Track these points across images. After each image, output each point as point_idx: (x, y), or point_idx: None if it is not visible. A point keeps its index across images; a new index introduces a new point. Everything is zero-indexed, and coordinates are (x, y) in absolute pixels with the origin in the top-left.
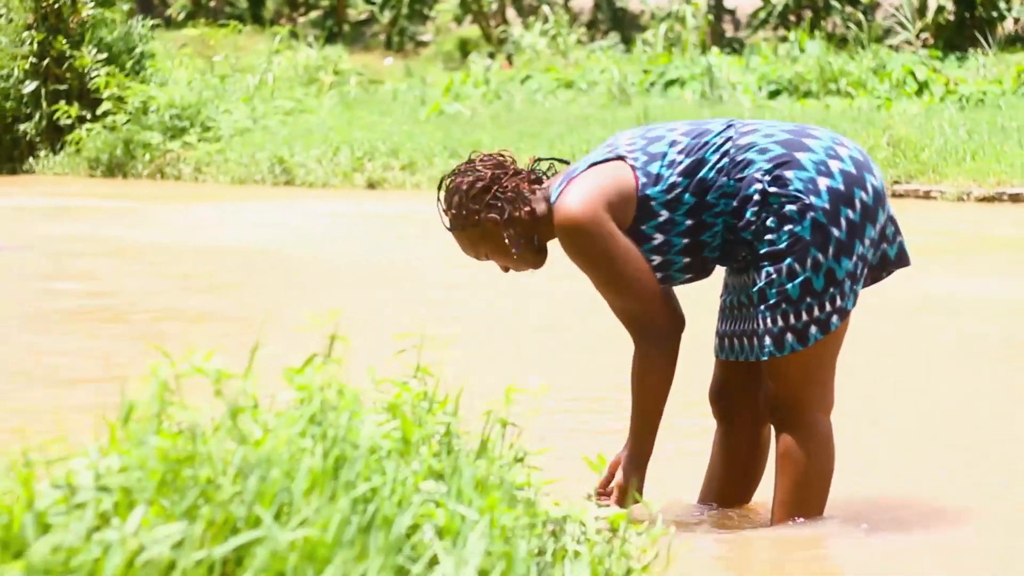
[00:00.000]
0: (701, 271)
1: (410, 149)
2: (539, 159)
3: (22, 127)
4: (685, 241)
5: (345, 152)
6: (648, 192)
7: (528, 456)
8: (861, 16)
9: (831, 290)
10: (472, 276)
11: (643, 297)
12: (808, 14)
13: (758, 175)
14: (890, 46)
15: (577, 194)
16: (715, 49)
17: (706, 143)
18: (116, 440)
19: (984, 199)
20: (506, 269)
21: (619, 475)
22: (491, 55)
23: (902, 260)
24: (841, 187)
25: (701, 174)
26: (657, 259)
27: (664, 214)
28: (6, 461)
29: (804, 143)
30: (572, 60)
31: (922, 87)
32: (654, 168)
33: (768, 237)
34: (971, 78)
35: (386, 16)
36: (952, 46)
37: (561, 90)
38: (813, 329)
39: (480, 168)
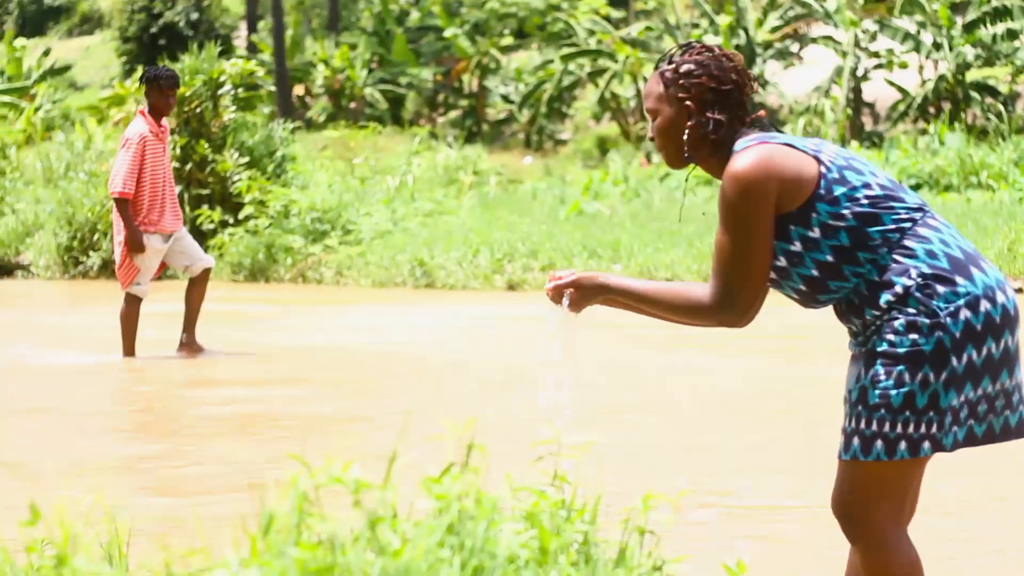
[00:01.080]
0: (808, 302)
1: (549, 250)
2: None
3: None
4: (815, 273)
5: (485, 254)
6: (818, 205)
7: (667, 564)
8: (1001, 107)
9: (931, 413)
10: (610, 379)
11: (746, 274)
12: (947, 106)
13: (913, 273)
14: None
15: (759, 157)
16: (854, 143)
17: (892, 207)
18: (256, 551)
19: None
20: (652, 139)
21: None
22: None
23: (1022, 430)
24: (978, 326)
25: (869, 229)
26: (782, 262)
27: (815, 233)
28: (148, 572)
29: (970, 270)
30: None
31: None
32: (837, 190)
33: (889, 337)
34: None
35: (525, 115)
36: None
37: (701, 187)
38: (903, 445)
39: (731, 73)
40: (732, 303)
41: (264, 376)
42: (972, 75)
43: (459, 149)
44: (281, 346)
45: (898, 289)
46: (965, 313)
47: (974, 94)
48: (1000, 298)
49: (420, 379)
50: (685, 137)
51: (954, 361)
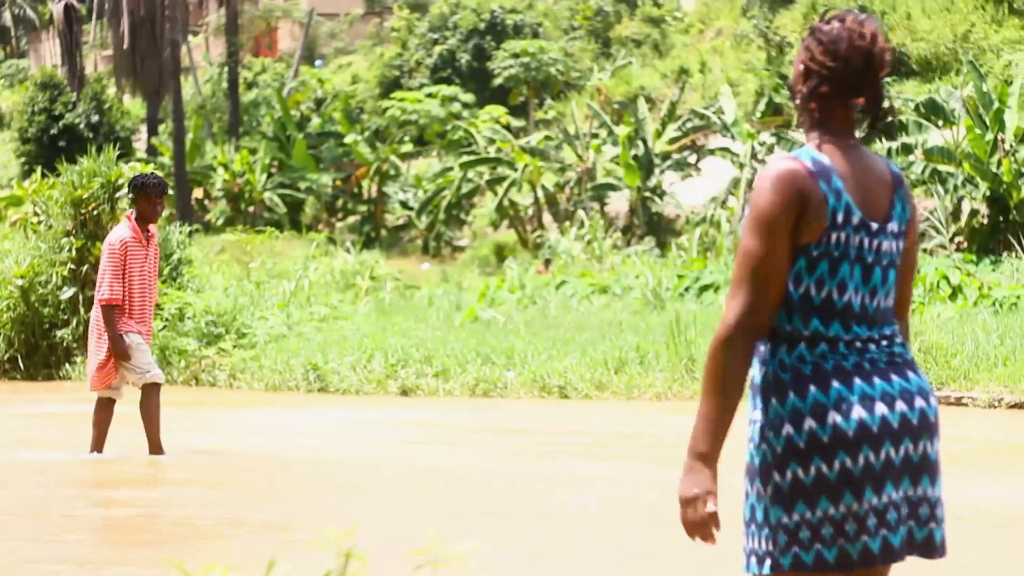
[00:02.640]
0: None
1: (443, 356)
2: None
3: (59, 333)
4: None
5: (379, 359)
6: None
7: None
8: None
9: (765, 529)
10: (503, 487)
11: (750, 276)
12: None
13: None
14: (924, 250)
15: (801, 160)
16: None
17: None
18: None
19: (1016, 406)
20: (788, 85)
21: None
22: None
23: (928, 549)
24: (801, 444)
25: (804, 297)
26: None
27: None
28: None
29: (809, 386)
30: (607, 265)
31: (956, 291)
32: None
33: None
34: (1005, 282)
35: (423, 221)
36: (986, 250)
37: (596, 295)
38: (753, 560)
39: (852, 52)
40: (736, 313)
41: (150, 478)
42: None
43: (357, 254)
44: (171, 448)
45: (767, 374)
46: (787, 429)
47: None
48: (833, 418)
49: (309, 484)
50: (796, 102)
51: (776, 477)
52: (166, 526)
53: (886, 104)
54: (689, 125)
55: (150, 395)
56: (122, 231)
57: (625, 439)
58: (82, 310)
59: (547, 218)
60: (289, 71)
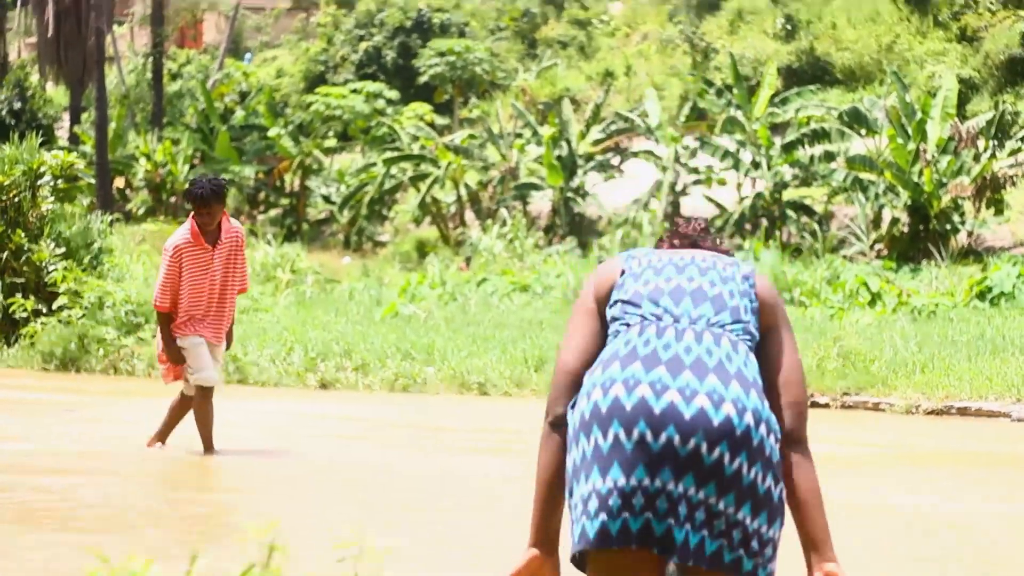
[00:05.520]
0: None
1: (363, 350)
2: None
3: None
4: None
5: (299, 352)
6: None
7: None
8: (816, 226)
9: (576, 509)
10: (416, 480)
11: (560, 356)
12: (764, 223)
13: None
14: (844, 256)
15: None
16: None
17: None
18: None
19: (932, 412)
20: None
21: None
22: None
23: (686, 554)
24: (587, 415)
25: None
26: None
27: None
28: None
29: (614, 364)
30: (528, 264)
31: (875, 298)
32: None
33: None
34: (924, 290)
35: (345, 216)
36: (906, 258)
37: (516, 293)
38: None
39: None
40: (551, 393)
41: (69, 467)
42: (789, 194)
43: (278, 247)
44: (88, 437)
45: None
46: (581, 403)
47: (790, 213)
48: (616, 391)
49: (228, 476)
50: None
51: (573, 449)
52: (86, 515)
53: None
54: (613, 127)
55: (202, 397)
56: (178, 235)
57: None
58: (1, 296)
59: (469, 216)
60: (214, 63)
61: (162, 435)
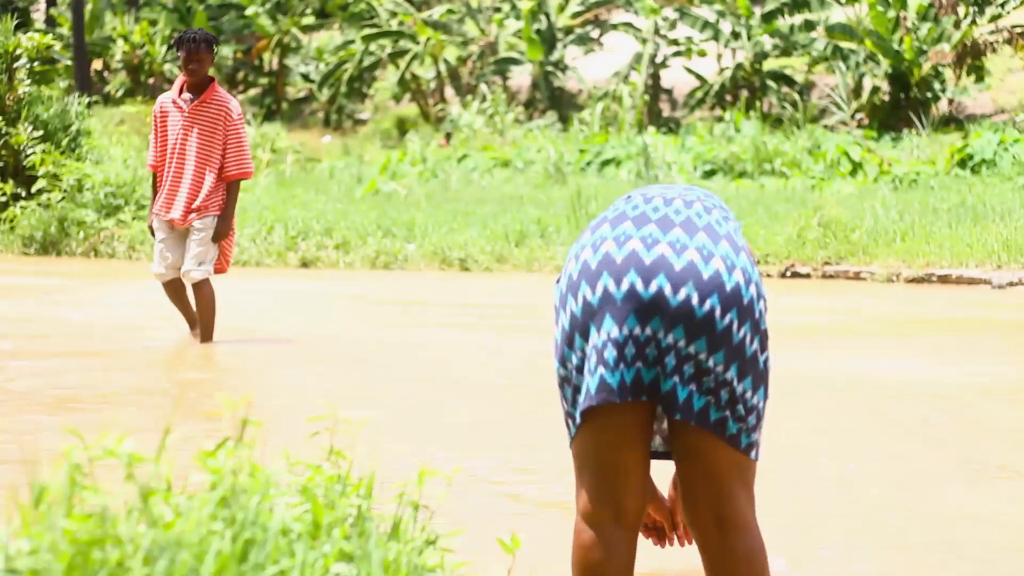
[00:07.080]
0: None
1: (344, 228)
2: None
3: None
4: None
5: (279, 231)
6: None
7: (440, 539)
8: (797, 96)
9: (562, 388)
10: (395, 354)
11: None
12: (744, 94)
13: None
14: (825, 126)
15: None
16: (651, 129)
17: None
18: (27, 523)
19: (913, 280)
20: None
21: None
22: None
23: (673, 406)
24: (591, 267)
25: None
26: None
27: None
28: None
29: (622, 218)
30: (509, 139)
31: (856, 167)
32: None
33: None
34: (905, 159)
35: (325, 94)
36: (887, 127)
37: (497, 169)
38: (569, 421)
39: None
40: None
41: (49, 349)
42: (769, 64)
43: (258, 127)
44: (69, 319)
45: None
46: (569, 265)
47: (771, 83)
48: (606, 247)
49: (205, 354)
50: None
51: (561, 315)
52: (63, 394)
53: None
54: (592, 0)
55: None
56: (167, 93)
57: (524, 311)
58: None
59: (449, 92)
60: None
61: (207, 332)
